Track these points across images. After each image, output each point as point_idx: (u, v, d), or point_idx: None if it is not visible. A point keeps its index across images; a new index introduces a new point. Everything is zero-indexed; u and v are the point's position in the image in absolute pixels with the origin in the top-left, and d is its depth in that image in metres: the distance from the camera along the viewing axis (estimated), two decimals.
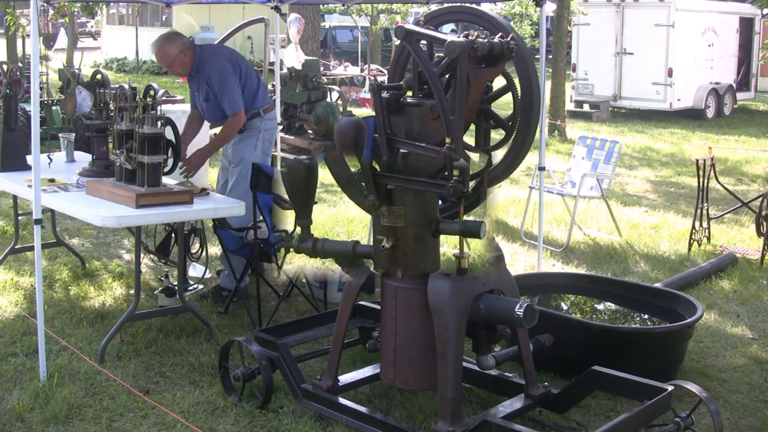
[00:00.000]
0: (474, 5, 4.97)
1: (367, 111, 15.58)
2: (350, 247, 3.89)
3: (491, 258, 3.85)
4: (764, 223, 7.44)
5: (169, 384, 4.88)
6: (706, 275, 6.84)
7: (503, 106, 4.31)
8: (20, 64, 12.77)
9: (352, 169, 3.93)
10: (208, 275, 6.55)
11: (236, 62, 6.01)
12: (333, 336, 4.28)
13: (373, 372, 4.47)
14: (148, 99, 5.11)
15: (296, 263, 6.44)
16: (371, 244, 3.83)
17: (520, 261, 7.37)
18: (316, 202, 4.13)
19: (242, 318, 5.83)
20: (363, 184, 3.69)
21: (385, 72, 16.64)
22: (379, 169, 3.71)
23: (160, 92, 9.51)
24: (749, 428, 4.46)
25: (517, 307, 3.66)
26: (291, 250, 4.17)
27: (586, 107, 18.41)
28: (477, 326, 3.82)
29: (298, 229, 4.05)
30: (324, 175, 4.22)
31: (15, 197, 6.65)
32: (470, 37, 3.54)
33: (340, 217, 9.12)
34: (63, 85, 12.64)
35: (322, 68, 13.82)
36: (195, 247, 6.30)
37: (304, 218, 3.92)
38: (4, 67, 6.12)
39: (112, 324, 5.45)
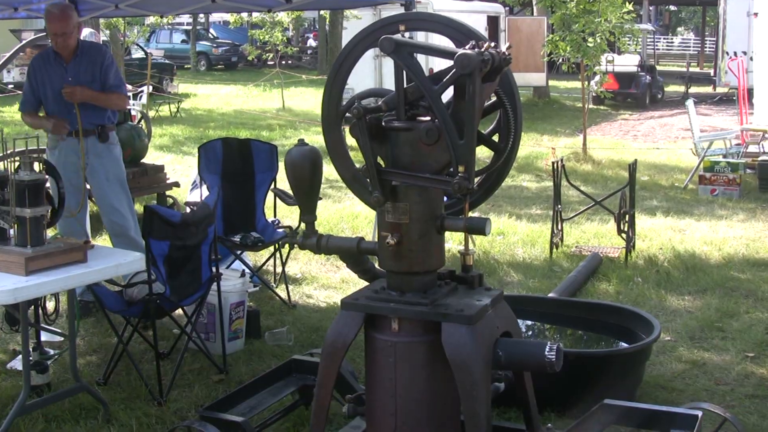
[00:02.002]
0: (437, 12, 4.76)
1: None
2: (355, 244, 3.86)
3: (495, 296, 3.76)
4: None
5: None
6: (585, 279, 6.82)
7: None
8: None
9: (357, 165, 3.91)
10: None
11: None
12: (314, 407, 3.80)
13: None
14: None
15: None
16: (376, 240, 3.80)
17: None
18: (320, 198, 4.10)
19: (133, 387, 4.93)
20: (368, 180, 3.67)
21: None
22: (384, 165, 3.68)
23: None
24: (751, 427, 4.47)
25: (547, 350, 3.53)
26: (295, 246, 4.13)
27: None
28: None
29: (302, 226, 4.02)
30: (328, 170, 4.20)
31: None
32: (477, 49, 3.40)
33: (345, 213, 9.16)
34: None
35: None
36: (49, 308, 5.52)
37: (308, 214, 3.89)
38: None
39: None
